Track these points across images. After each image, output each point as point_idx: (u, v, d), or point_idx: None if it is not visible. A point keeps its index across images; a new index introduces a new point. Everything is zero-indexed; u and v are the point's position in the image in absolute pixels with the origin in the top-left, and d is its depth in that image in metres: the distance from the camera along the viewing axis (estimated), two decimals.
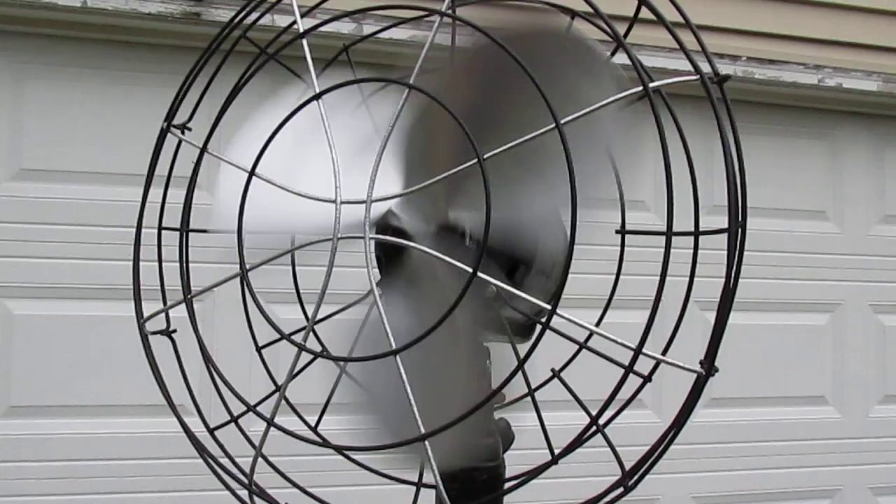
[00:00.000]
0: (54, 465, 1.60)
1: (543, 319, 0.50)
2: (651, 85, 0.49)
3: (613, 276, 0.69)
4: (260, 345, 0.74)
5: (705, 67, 0.52)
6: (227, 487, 0.60)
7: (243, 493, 0.59)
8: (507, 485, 0.64)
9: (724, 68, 1.38)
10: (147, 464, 1.63)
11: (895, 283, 2.23)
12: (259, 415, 0.57)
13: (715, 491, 2.04)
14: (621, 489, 0.53)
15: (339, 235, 0.54)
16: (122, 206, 1.64)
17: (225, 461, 0.67)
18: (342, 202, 0.54)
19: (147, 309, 0.68)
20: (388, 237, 0.56)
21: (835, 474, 2.15)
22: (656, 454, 0.54)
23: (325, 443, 0.62)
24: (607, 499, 0.53)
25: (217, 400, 0.68)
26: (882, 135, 2.24)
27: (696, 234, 0.54)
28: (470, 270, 0.50)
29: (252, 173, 0.58)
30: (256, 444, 0.68)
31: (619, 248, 0.68)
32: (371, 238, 0.53)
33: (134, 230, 0.65)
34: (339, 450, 0.65)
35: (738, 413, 2.07)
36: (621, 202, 0.67)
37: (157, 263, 0.70)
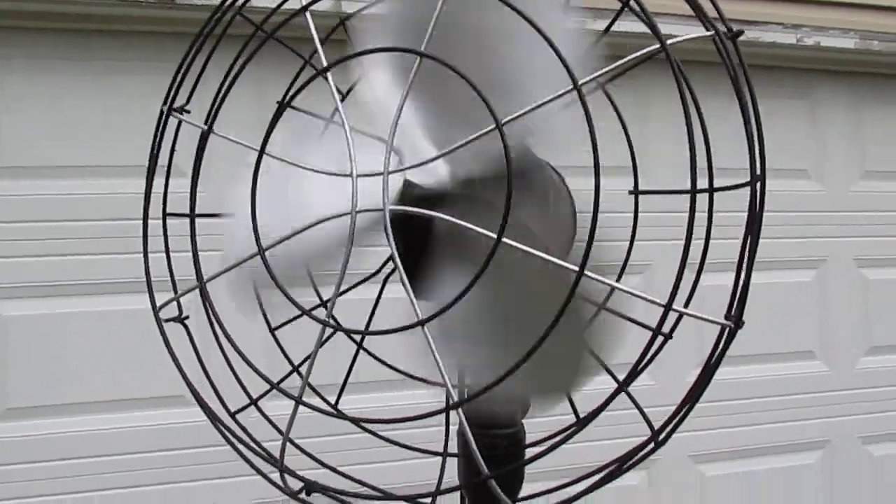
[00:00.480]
0: (55, 464, 1.58)
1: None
2: (668, 42, 0.49)
3: (628, 240, 0.69)
4: (273, 326, 0.74)
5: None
6: (258, 471, 0.60)
7: (275, 476, 0.59)
8: (536, 450, 0.64)
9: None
10: (148, 457, 1.62)
11: (877, 237, 2.26)
12: (285, 393, 0.57)
13: (710, 448, 2.07)
14: (652, 445, 0.54)
15: (358, 209, 0.54)
16: (107, 199, 1.61)
17: (241, 447, 0.67)
18: (358, 175, 0.54)
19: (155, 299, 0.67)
20: (407, 207, 0.55)
21: (824, 426, 2.19)
22: (684, 411, 0.54)
23: (354, 420, 0.62)
24: (639, 456, 0.54)
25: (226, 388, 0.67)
26: (860, 92, 2.26)
27: (711, 190, 0.55)
28: (494, 237, 0.50)
29: (262, 152, 0.57)
30: (278, 426, 0.68)
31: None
32: (391, 209, 0.53)
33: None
34: (357, 423, 0.65)
35: (728, 371, 2.09)
36: (633, 163, 0.67)
37: (162, 252, 0.69)
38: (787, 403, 2.12)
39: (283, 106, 0.58)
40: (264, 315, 0.74)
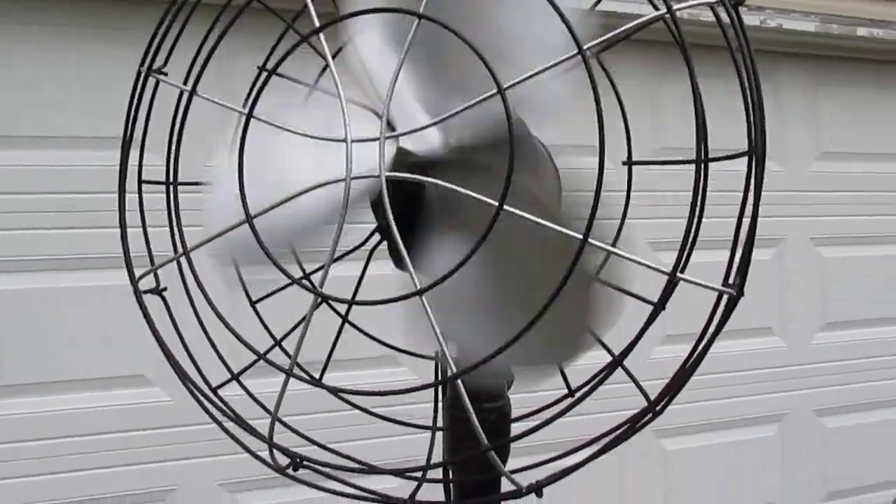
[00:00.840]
0: (20, 445, 1.53)
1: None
2: (674, 7, 0.48)
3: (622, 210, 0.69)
4: (254, 299, 0.72)
5: None
6: (246, 448, 0.58)
7: (263, 453, 0.57)
8: (528, 423, 0.64)
9: None
10: (111, 438, 1.58)
11: (832, 216, 2.32)
12: (275, 365, 0.55)
13: (672, 423, 2.11)
14: (650, 415, 0.54)
15: (353, 175, 0.52)
16: (67, 172, 1.55)
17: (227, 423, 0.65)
18: (353, 140, 0.52)
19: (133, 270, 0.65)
20: (405, 174, 0.54)
21: (781, 400, 2.25)
22: (681, 379, 0.54)
23: (337, 392, 0.60)
24: (638, 426, 0.53)
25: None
26: (818, 74, 2.30)
27: (705, 161, 0.54)
28: (496, 204, 0.49)
29: (250, 115, 0.55)
30: (262, 402, 0.66)
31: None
32: (388, 176, 0.51)
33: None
34: (340, 395, 0.64)
35: (688, 349, 2.14)
36: (627, 134, 0.67)
37: (139, 223, 0.66)
38: (746, 378, 2.17)
39: (271, 71, 0.55)
40: (244, 288, 0.72)
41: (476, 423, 0.50)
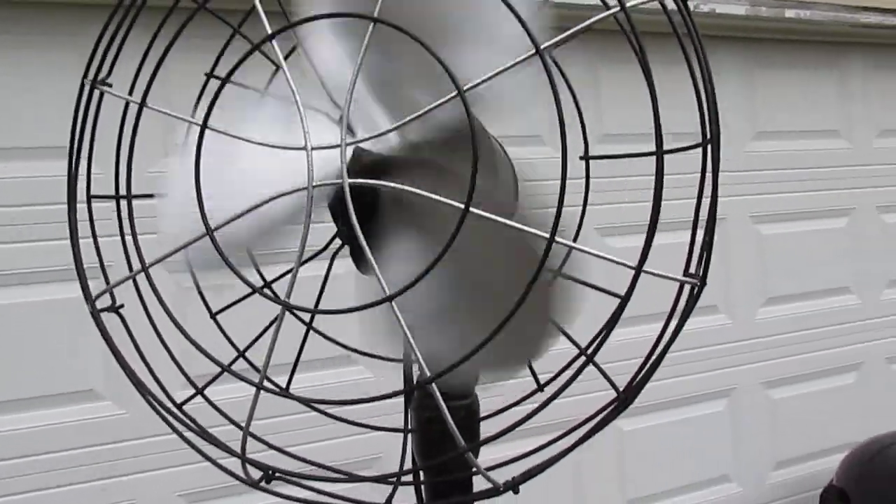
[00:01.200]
0: None
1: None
2: (627, 4, 0.49)
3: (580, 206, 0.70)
4: (214, 311, 0.71)
5: None
6: (219, 466, 0.57)
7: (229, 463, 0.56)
8: (496, 423, 0.64)
9: None
10: (56, 458, 1.53)
11: (769, 194, 2.39)
12: (244, 379, 0.54)
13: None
14: (619, 405, 0.55)
15: (315, 183, 0.51)
16: (15, 184, 1.49)
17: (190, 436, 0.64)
18: (313, 148, 0.51)
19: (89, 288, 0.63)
20: (368, 180, 0.53)
21: (729, 375, 2.32)
22: (647, 368, 0.55)
23: (306, 402, 0.60)
24: (608, 416, 0.54)
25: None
26: (751, 56, 2.36)
27: (661, 152, 0.56)
28: (462, 206, 0.49)
29: (204, 126, 0.54)
30: (228, 415, 0.65)
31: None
32: (350, 182, 0.51)
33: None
34: (313, 406, 0.64)
35: (635, 331, 2.18)
36: (583, 128, 0.68)
37: (90, 238, 0.64)
38: (695, 357, 2.23)
39: (224, 79, 0.54)
40: (203, 299, 0.70)
41: (452, 425, 0.50)
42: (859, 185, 2.53)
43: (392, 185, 0.52)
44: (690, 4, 0.55)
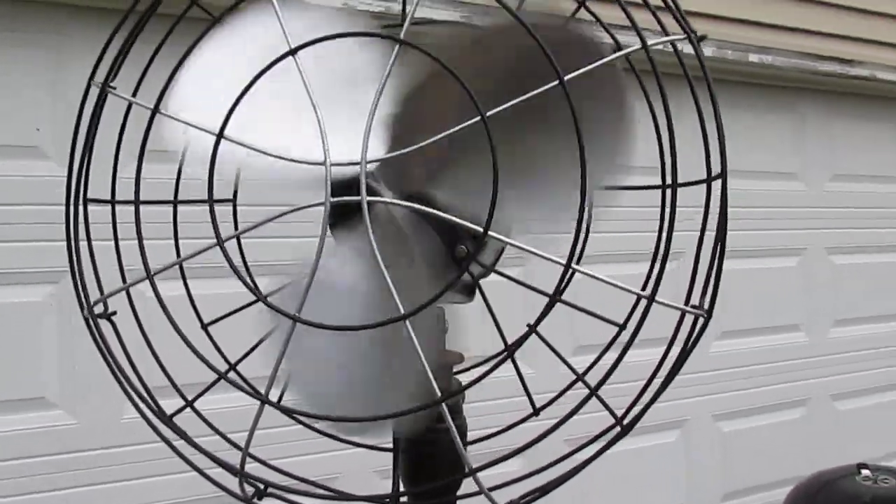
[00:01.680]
0: None
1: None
2: (649, 43, 0.51)
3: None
4: (206, 322, 0.70)
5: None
6: (215, 483, 0.56)
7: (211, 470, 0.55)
8: (490, 447, 0.65)
9: None
10: (22, 464, 1.48)
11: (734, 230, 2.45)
12: (249, 393, 0.54)
13: (582, 432, 2.17)
14: (618, 429, 0.56)
15: (332, 200, 0.51)
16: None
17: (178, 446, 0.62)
18: (332, 164, 0.52)
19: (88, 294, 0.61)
20: (386, 199, 0.54)
21: (681, 406, 2.36)
22: (651, 396, 0.56)
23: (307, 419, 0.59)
24: (608, 443, 0.55)
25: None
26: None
27: (673, 186, 0.57)
28: (481, 230, 0.49)
29: (220, 136, 0.54)
30: (218, 428, 0.64)
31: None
32: (369, 200, 0.51)
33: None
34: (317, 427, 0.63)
35: (630, 354, 2.22)
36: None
37: (84, 242, 0.63)
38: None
39: (246, 88, 0.54)
40: (195, 310, 0.69)
41: (461, 446, 0.50)
42: (812, 227, 2.62)
43: (413, 205, 0.53)
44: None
